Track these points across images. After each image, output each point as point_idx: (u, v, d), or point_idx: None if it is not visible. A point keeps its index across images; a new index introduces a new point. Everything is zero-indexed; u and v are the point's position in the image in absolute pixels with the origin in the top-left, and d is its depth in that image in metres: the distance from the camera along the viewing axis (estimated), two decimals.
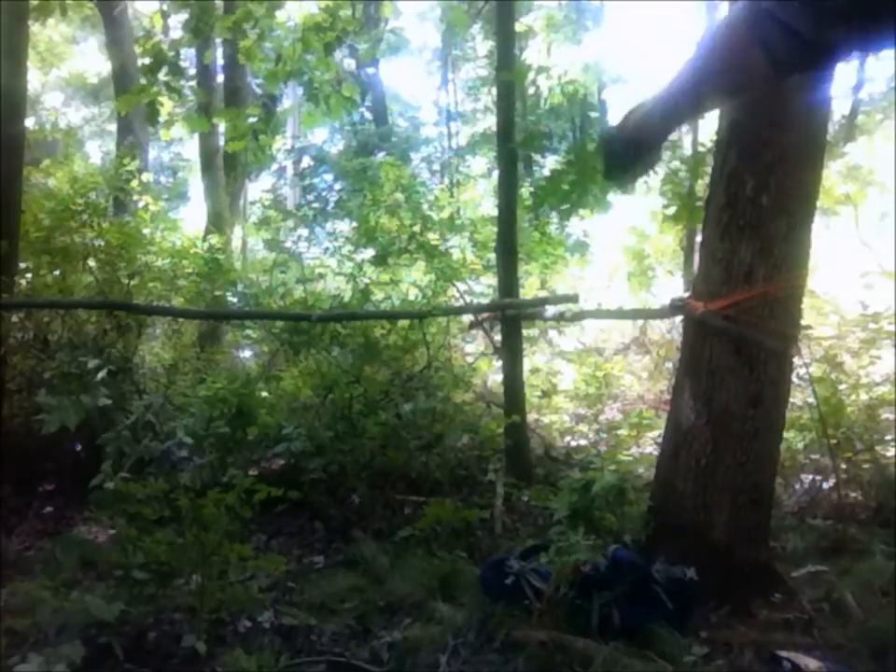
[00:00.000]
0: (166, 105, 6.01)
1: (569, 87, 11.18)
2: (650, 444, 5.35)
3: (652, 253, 8.13)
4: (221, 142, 8.70)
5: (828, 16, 0.82)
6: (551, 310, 5.30)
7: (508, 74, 4.97)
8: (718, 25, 1.03)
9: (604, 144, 1.29)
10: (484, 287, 6.51)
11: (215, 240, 6.86)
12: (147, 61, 5.68)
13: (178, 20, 6.87)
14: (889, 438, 4.25)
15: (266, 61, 5.93)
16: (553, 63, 12.22)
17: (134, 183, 6.58)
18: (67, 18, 8.77)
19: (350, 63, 14.27)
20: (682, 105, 1.16)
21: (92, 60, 14.74)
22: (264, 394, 4.75)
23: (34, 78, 11.53)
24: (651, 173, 1.31)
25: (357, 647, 2.71)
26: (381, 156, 9.32)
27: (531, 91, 11.31)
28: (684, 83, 1.12)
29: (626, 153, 1.26)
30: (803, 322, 3.41)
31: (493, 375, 6.21)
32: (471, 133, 17.69)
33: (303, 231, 10.75)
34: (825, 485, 4.17)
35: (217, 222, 8.92)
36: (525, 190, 7.73)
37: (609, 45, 20.43)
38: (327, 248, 7.58)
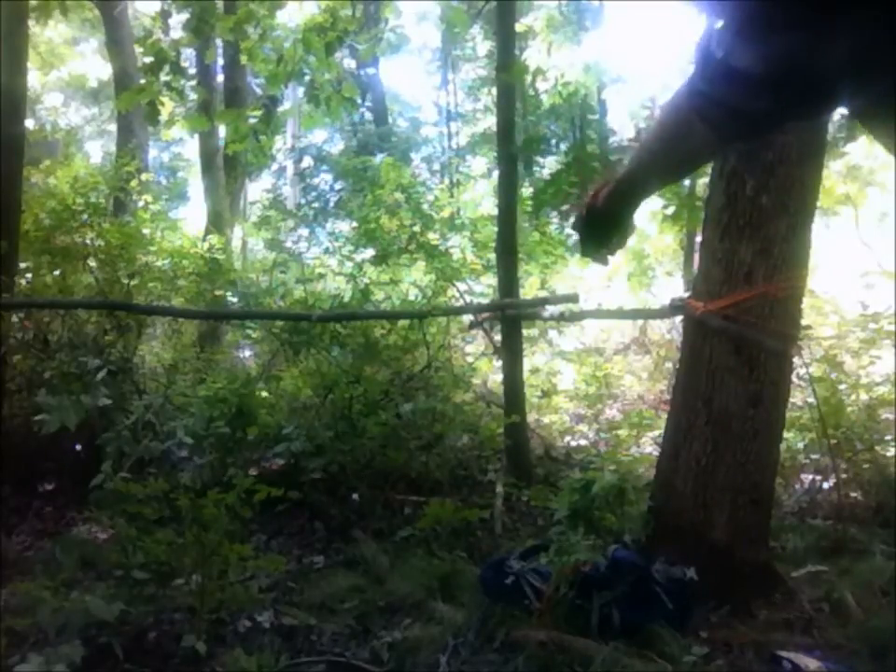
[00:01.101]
0: (167, 105, 6.01)
1: (566, 89, 11.18)
2: (650, 444, 5.35)
3: (652, 253, 8.13)
4: (221, 142, 8.71)
5: (757, 89, 0.84)
6: (551, 310, 5.30)
7: (507, 75, 4.97)
8: (666, 101, 1.10)
9: (577, 223, 1.32)
10: (484, 287, 6.51)
11: (215, 240, 6.85)
12: (147, 60, 5.68)
13: (179, 20, 6.86)
14: (889, 438, 4.25)
15: (267, 61, 5.93)
16: (553, 64, 12.21)
17: (134, 183, 6.59)
18: (68, 19, 8.76)
19: (350, 63, 14.27)
20: (646, 180, 1.21)
21: (93, 62, 14.74)
22: (264, 394, 4.75)
23: (33, 79, 11.52)
24: (625, 244, 1.36)
25: (357, 647, 2.71)
26: (381, 156, 9.33)
27: (531, 91, 11.31)
28: (643, 158, 1.16)
29: (600, 229, 1.29)
30: (803, 322, 3.42)
31: (493, 375, 6.21)
32: (471, 133, 17.70)
33: (303, 231, 10.76)
34: (825, 485, 4.17)
35: (217, 222, 8.92)
36: (526, 191, 7.73)
37: (609, 45, 20.42)
38: (327, 248, 7.59)
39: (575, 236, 1.37)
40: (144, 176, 7.12)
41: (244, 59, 6.26)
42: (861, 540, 3.53)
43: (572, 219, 1.37)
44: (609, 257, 1.37)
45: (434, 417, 4.45)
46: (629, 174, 1.21)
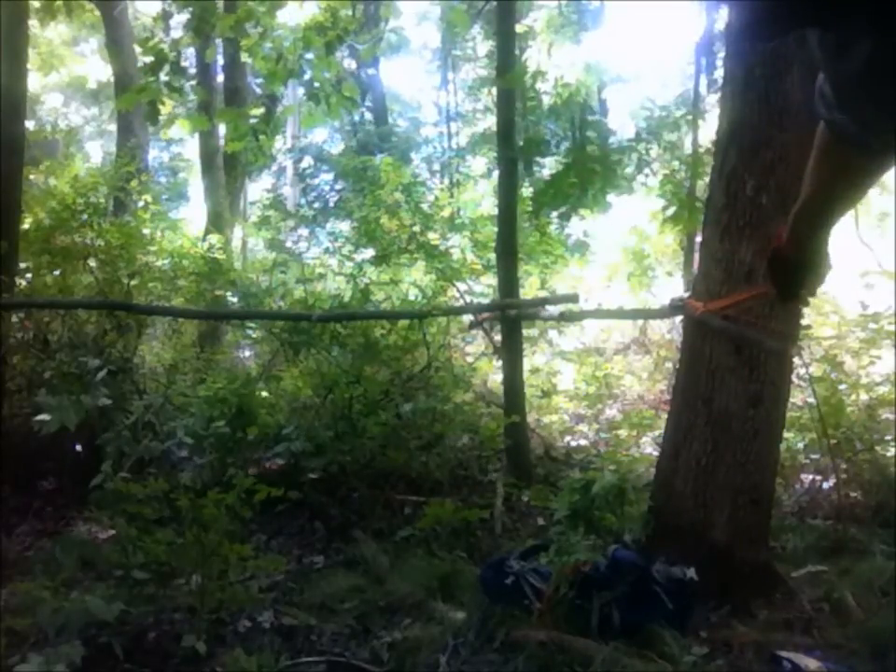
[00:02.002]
0: (167, 105, 6.02)
1: (566, 90, 11.20)
2: (650, 444, 5.35)
3: (652, 253, 8.13)
4: (221, 142, 8.71)
5: (838, 108, 0.82)
6: (551, 310, 5.29)
7: (506, 80, 4.97)
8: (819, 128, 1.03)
9: (769, 269, 1.32)
10: (484, 287, 6.51)
11: (215, 240, 6.85)
12: (148, 60, 5.68)
13: (179, 20, 6.87)
14: (889, 438, 4.25)
15: (268, 59, 5.93)
16: (553, 64, 12.22)
17: (134, 183, 6.59)
18: (72, 19, 8.76)
19: (350, 63, 14.27)
20: (821, 211, 1.15)
21: (93, 62, 14.74)
22: (264, 394, 4.75)
23: (34, 80, 11.52)
24: (823, 282, 1.31)
25: (357, 647, 2.71)
26: (381, 156, 9.33)
27: (531, 93, 11.32)
28: (810, 190, 1.12)
29: (792, 271, 1.27)
30: (803, 322, 3.41)
31: (493, 375, 6.20)
32: (471, 133, 17.69)
33: (303, 231, 10.75)
34: (825, 485, 4.17)
35: (217, 222, 8.91)
36: (526, 190, 7.72)
37: (610, 45, 20.46)
38: (327, 248, 7.59)
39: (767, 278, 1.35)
40: (143, 176, 7.12)
41: (244, 56, 6.26)
42: (861, 540, 3.52)
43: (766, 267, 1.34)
44: (810, 298, 1.33)
45: (434, 417, 4.45)
46: (802, 209, 1.17)
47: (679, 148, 7.36)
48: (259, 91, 11.41)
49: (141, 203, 6.81)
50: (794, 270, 1.27)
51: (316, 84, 5.97)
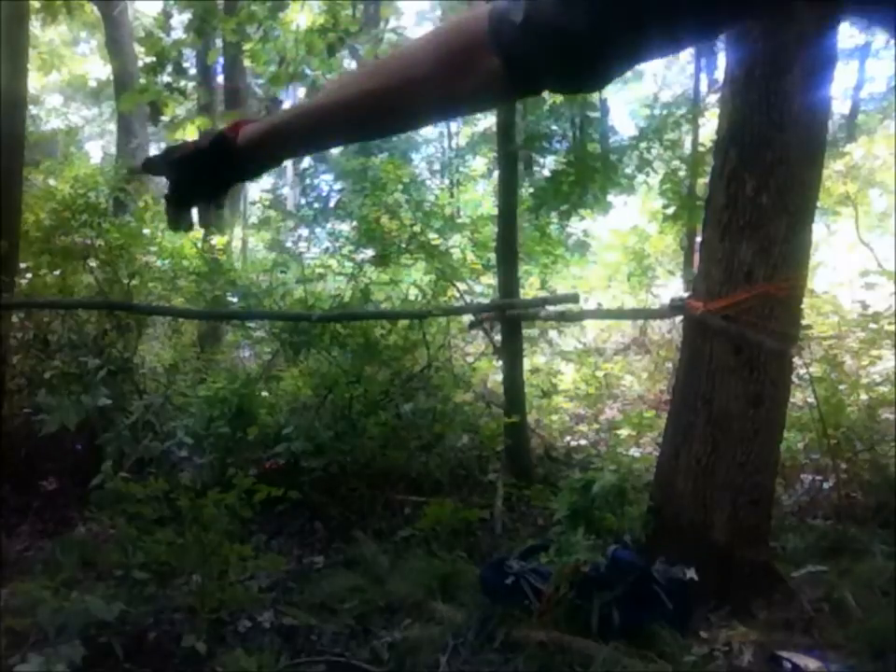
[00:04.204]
0: (170, 106, 6.02)
1: None
2: (650, 444, 5.34)
3: (652, 253, 8.13)
4: None
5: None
6: (551, 310, 5.29)
7: None
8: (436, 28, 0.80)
9: (183, 162, 0.94)
10: (484, 287, 6.50)
11: (215, 240, 6.85)
12: (149, 59, 5.68)
13: (180, 20, 6.86)
14: (888, 438, 4.25)
15: (270, 62, 5.94)
16: None
17: (136, 184, 6.58)
18: (69, 21, 8.77)
19: (351, 65, 14.26)
20: (344, 123, 0.84)
21: (93, 63, 14.75)
22: (264, 394, 4.74)
23: (34, 80, 11.53)
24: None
25: (357, 647, 2.72)
26: (381, 156, 9.31)
27: None
28: (357, 93, 0.80)
29: (215, 177, 0.95)
30: (803, 322, 3.42)
31: (493, 375, 6.20)
32: (471, 133, 17.69)
33: (303, 231, 10.75)
34: (825, 485, 4.17)
35: (218, 222, 8.90)
36: (525, 190, 7.72)
37: None
38: (327, 248, 7.58)
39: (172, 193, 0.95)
40: (144, 176, 7.12)
41: (248, 60, 6.26)
42: (861, 540, 3.52)
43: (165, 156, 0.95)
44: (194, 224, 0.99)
45: (434, 417, 4.45)
46: (322, 108, 0.84)
47: (679, 147, 7.36)
48: (259, 92, 11.42)
49: (141, 203, 6.80)
50: (221, 176, 0.92)
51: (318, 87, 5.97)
